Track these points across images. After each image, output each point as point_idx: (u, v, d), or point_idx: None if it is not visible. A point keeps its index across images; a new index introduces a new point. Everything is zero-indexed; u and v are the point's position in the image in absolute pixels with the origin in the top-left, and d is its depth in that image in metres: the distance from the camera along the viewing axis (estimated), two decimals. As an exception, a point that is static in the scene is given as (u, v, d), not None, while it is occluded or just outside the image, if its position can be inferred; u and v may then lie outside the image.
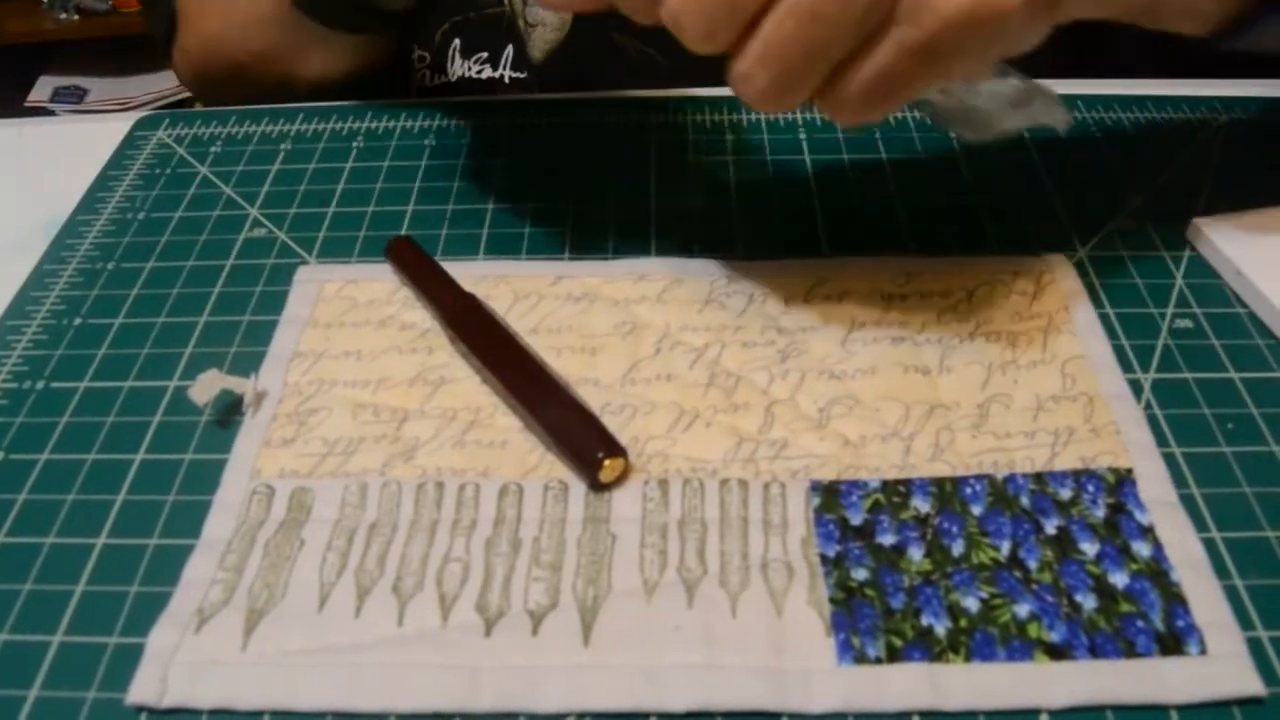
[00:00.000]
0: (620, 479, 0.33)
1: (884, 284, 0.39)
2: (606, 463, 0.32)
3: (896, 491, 0.32)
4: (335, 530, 0.32)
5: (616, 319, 0.38)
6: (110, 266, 0.42)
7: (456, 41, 0.58)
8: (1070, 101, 0.49)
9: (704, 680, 0.28)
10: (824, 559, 0.30)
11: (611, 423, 0.34)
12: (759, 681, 0.28)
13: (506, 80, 0.58)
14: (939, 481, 0.32)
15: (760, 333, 0.37)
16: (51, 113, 1.62)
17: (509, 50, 0.57)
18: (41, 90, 1.67)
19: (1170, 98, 0.49)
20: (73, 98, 1.66)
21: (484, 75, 0.58)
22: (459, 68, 0.58)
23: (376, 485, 0.33)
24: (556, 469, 0.33)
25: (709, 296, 0.39)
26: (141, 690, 0.28)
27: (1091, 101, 0.49)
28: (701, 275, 0.40)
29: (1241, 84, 0.50)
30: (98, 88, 1.67)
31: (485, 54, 0.58)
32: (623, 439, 0.33)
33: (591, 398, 0.35)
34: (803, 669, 0.28)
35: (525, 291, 0.39)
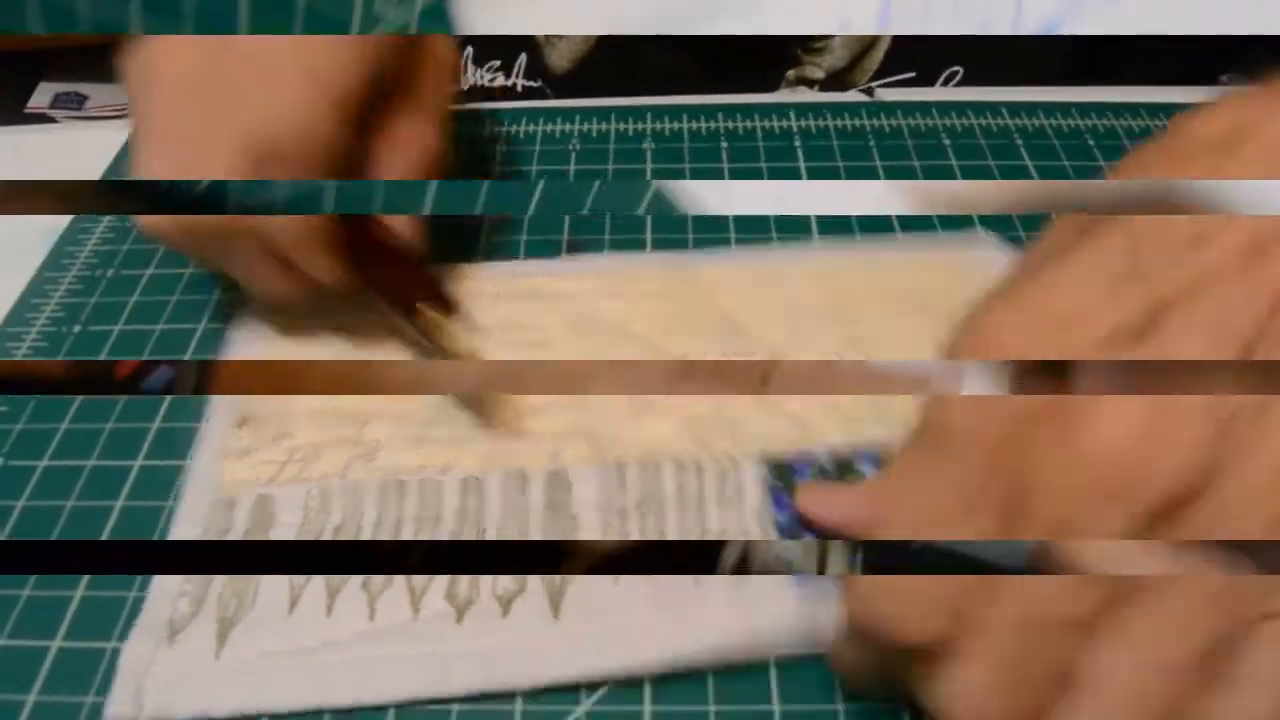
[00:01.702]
0: (521, 423, 0.34)
1: (834, 271, 0.40)
2: (428, 314, 0.32)
3: (844, 461, 0.33)
4: (300, 535, 0.32)
5: (568, 314, 0.39)
6: (110, 274, 0.43)
7: (469, 49, 0.58)
8: (1066, 110, 0.49)
9: (672, 640, 0.29)
10: (779, 527, 0.32)
11: (566, 411, 0.35)
12: (726, 637, 0.29)
13: (519, 88, 0.58)
14: (886, 449, 0.33)
15: (711, 321, 0.38)
16: (52, 119, 1.62)
17: (522, 58, 0.57)
18: (42, 96, 1.67)
19: (1164, 104, 0.49)
20: (73, 104, 1.66)
21: (496, 83, 0.58)
22: (471, 76, 0.59)
23: (338, 488, 0.33)
24: (515, 460, 0.34)
25: (660, 289, 0.40)
26: (119, 705, 0.28)
27: (1085, 109, 0.49)
28: (652, 267, 0.40)
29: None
30: (98, 94, 1.67)
31: (498, 62, 0.58)
32: (578, 427, 0.34)
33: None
34: (770, 624, 0.29)
35: (476, 293, 0.40)
